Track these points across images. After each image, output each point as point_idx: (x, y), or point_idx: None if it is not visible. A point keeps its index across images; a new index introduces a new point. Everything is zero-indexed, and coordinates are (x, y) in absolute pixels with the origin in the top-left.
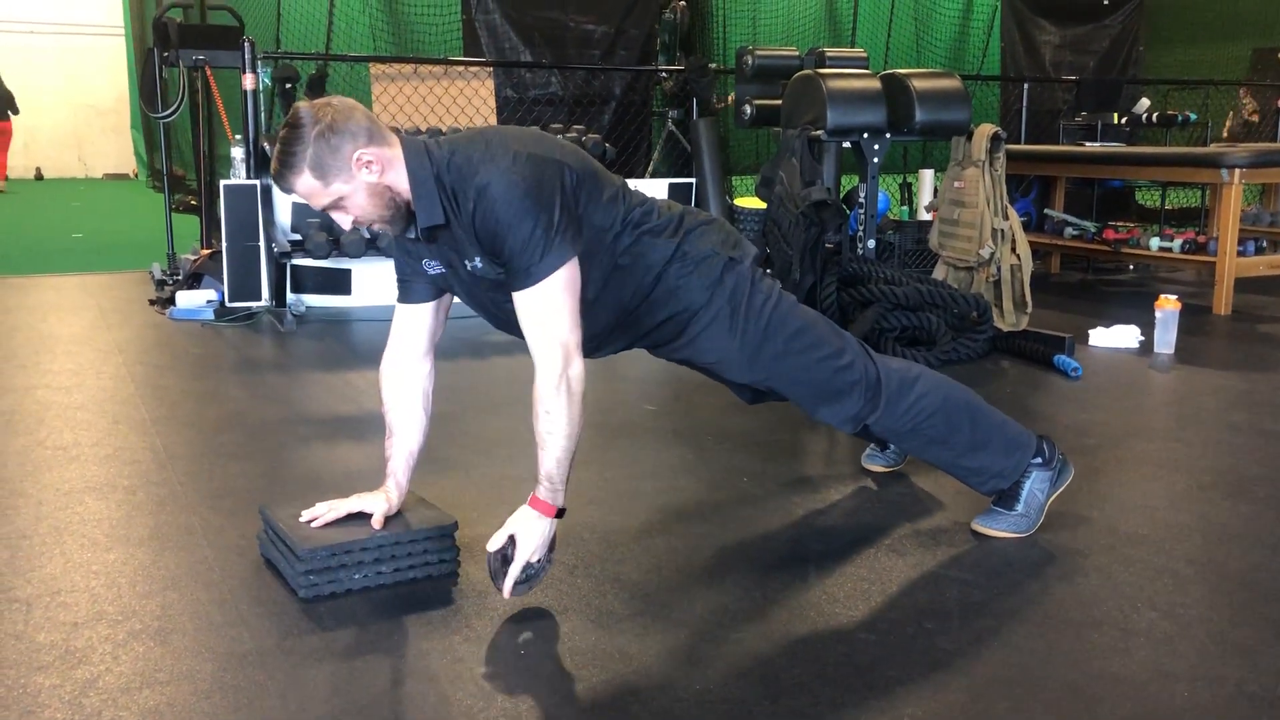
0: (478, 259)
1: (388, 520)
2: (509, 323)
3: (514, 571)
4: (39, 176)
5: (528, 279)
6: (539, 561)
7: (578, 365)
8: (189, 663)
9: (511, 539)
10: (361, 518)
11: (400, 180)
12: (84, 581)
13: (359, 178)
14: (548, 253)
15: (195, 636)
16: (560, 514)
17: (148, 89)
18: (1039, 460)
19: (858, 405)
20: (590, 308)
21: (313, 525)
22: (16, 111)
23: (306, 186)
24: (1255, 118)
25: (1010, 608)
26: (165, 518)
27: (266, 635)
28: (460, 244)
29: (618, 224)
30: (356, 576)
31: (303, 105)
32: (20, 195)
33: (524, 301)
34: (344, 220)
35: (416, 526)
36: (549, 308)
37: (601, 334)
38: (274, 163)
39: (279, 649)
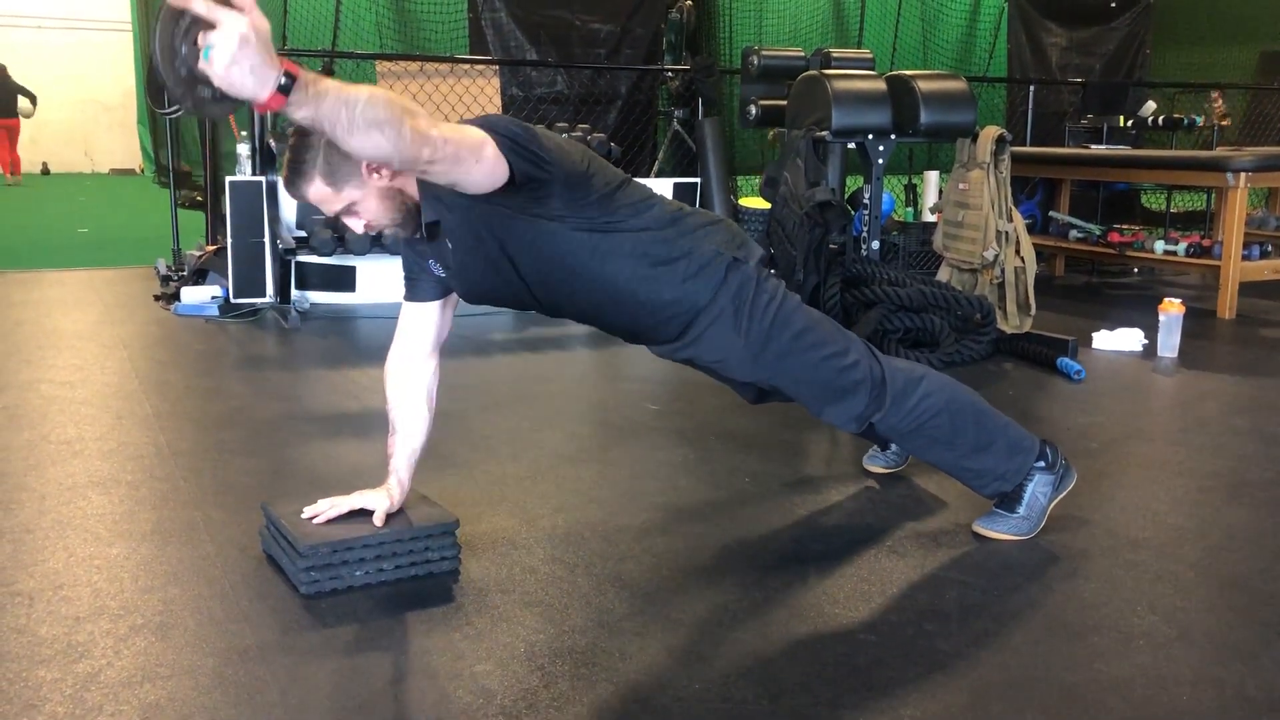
0: (474, 239)
1: (389, 517)
2: (506, 288)
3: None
4: (45, 171)
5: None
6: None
7: (420, 134)
8: (190, 658)
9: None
10: (363, 514)
11: (410, 183)
12: (86, 576)
13: (370, 183)
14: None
15: (196, 632)
16: (285, 85)
17: (154, 85)
18: (1042, 464)
19: (862, 405)
20: (589, 292)
21: (314, 522)
22: (34, 105)
23: (319, 193)
24: (1226, 122)
25: (1010, 610)
26: (168, 513)
27: (268, 631)
28: (455, 228)
29: (621, 217)
30: (358, 573)
31: None
32: (27, 190)
33: None
34: (356, 225)
35: (418, 524)
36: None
37: (602, 320)
38: (284, 171)
39: (280, 645)
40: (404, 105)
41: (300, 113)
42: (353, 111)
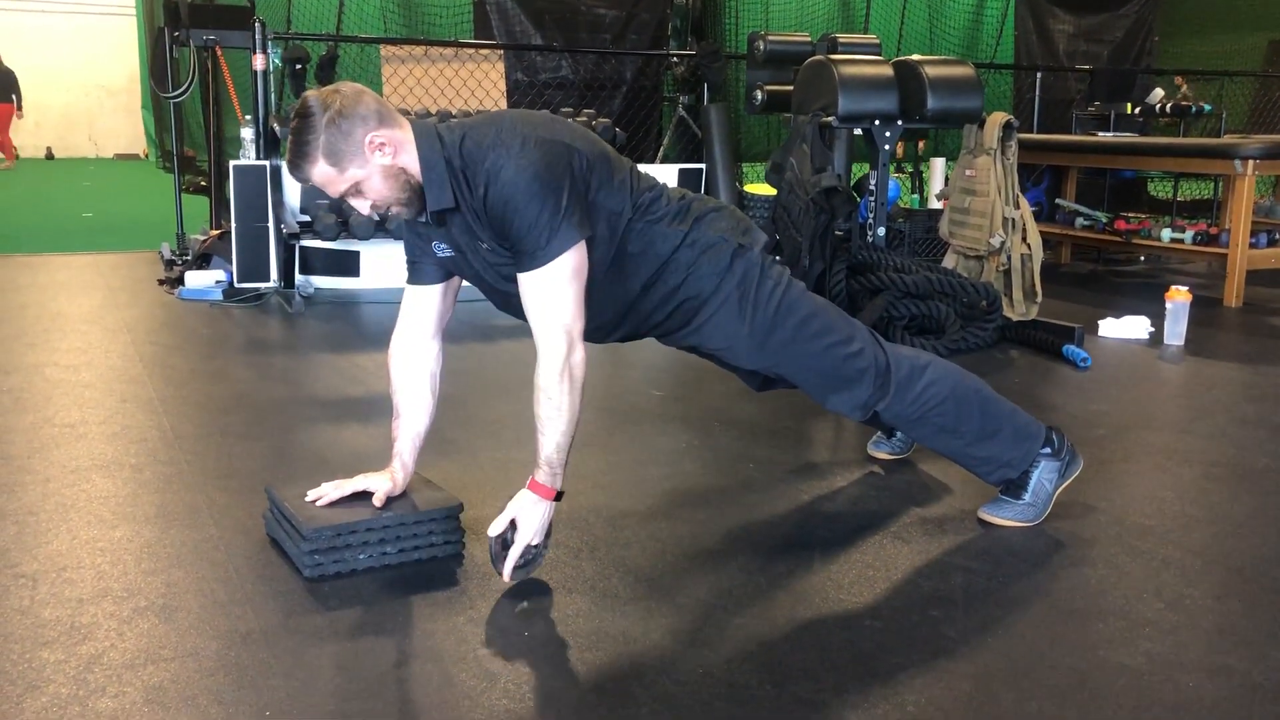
0: (485, 243)
1: (393, 501)
2: (516, 307)
3: (514, 554)
4: (50, 156)
5: (533, 261)
6: (538, 545)
7: (580, 352)
8: (193, 640)
9: (512, 523)
10: (367, 497)
11: (413, 162)
12: (90, 558)
13: (373, 161)
14: (554, 236)
15: (200, 614)
16: (559, 497)
17: (158, 69)
18: (1048, 450)
19: (867, 392)
20: (598, 293)
21: (318, 505)
22: (17, 94)
23: (322, 174)
24: (1189, 93)
25: (1016, 596)
26: (171, 496)
27: (271, 614)
28: (470, 228)
29: (628, 209)
30: (361, 557)
31: (311, 94)
32: (31, 175)
33: (529, 284)
34: (362, 206)
35: (422, 508)
36: (554, 292)
37: (609, 321)
38: (288, 154)
39: (283, 628)
40: (570, 375)
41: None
42: (571, 436)
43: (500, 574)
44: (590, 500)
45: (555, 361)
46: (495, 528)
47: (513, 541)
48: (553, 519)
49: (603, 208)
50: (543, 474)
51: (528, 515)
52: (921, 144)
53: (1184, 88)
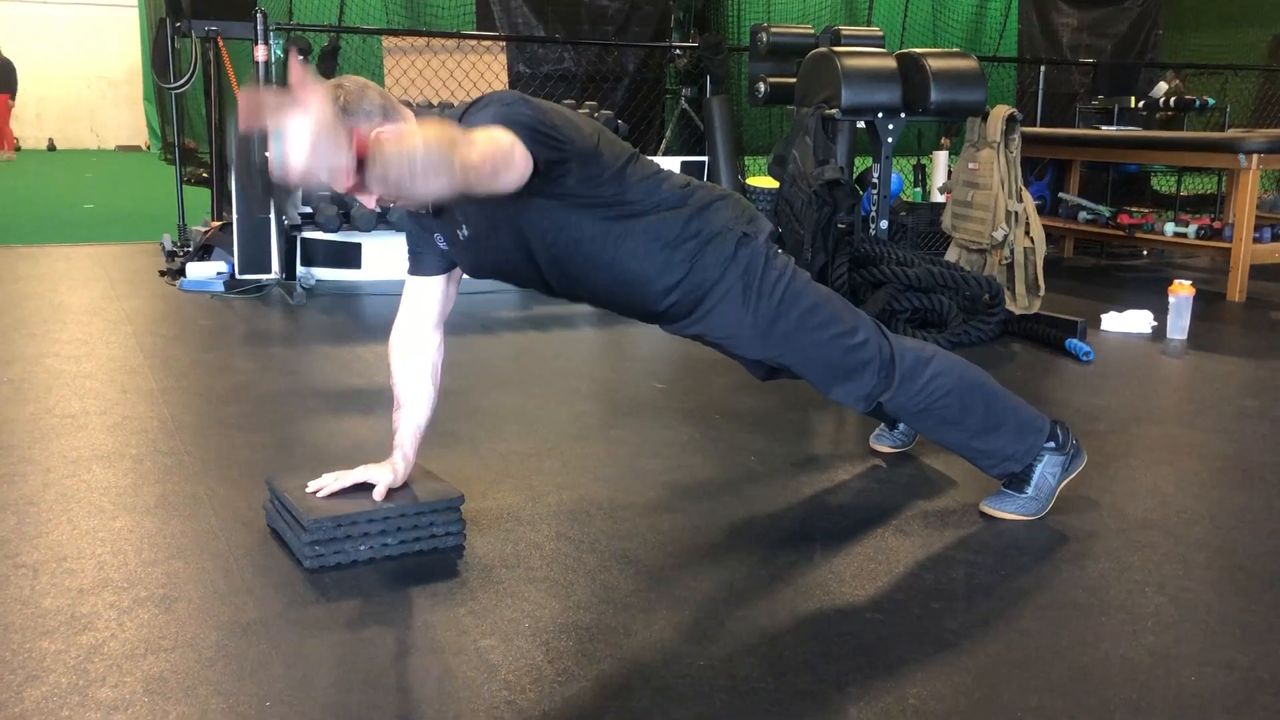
0: (465, 227)
1: (394, 492)
2: (515, 272)
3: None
4: (51, 147)
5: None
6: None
7: (475, 166)
8: (193, 631)
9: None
10: (368, 489)
11: None
12: (90, 548)
13: None
14: (501, 118)
15: (200, 605)
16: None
17: (160, 60)
18: (1052, 445)
19: (871, 384)
20: (603, 278)
21: (319, 496)
22: (14, 85)
23: None
24: (1181, 86)
25: (1018, 590)
26: (172, 486)
27: (271, 605)
28: (463, 208)
29: (632, 196)
30: (362, 548)
31: None
32: (33, 166)
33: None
34: (368, 200)
35: (423, 499)
36: (484, 131)
37: (615, 304)
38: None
39: (284, 619)
40: (450, 138)
41: (374, 184)
42: (414, 165)
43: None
44: (591, 493)
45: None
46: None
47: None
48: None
49: (601, 192)
50: (374, 149)
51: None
52: (946, 142)
53: (1175, 82)
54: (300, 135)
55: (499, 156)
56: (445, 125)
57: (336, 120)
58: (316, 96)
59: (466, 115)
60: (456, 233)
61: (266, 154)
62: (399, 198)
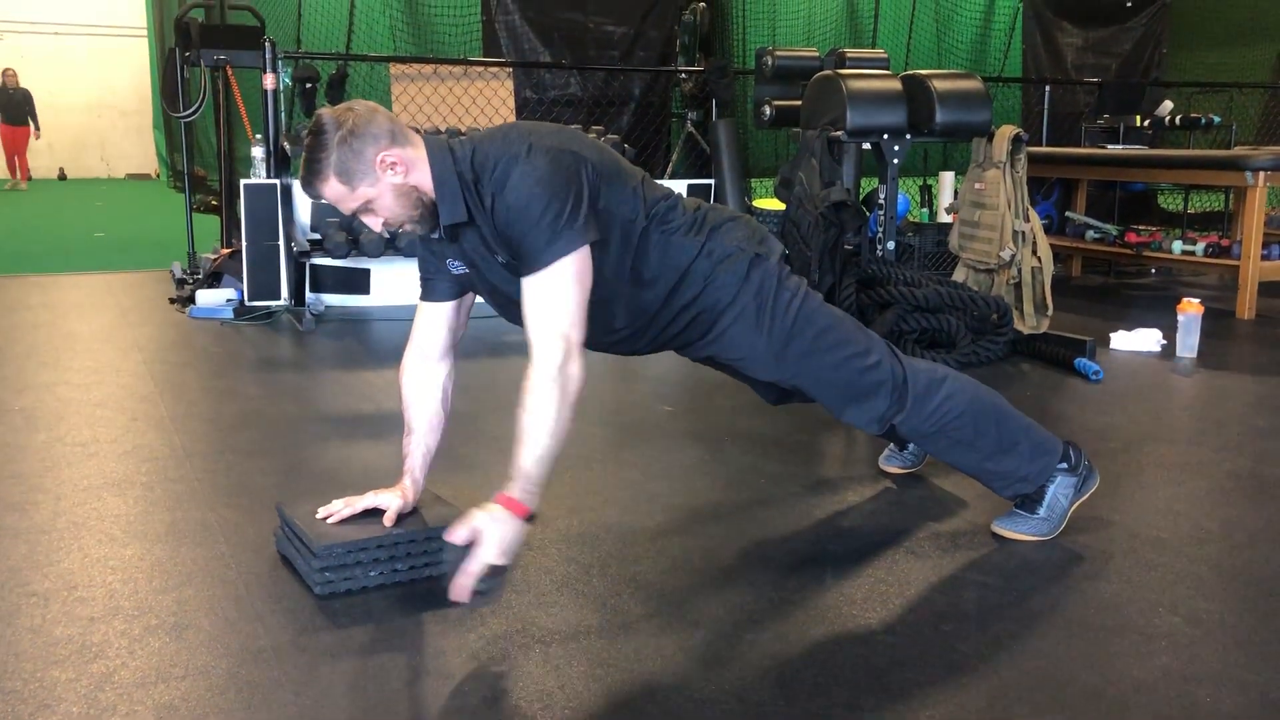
0: (500, 255)
1: (404, 518)
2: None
3: (473, 569)
4: (62, 176)
5: (535, 263)
6: (500, 568)
7: (577, 362)
8: (204, 658)
9: (475, 534)
10: (378, 514)
11: (425, 180)
12: (101, 577)
13: (384, 180)
14: (557, 238)
15: (211, 632)
16: (531, 519)
17: (169, 89)
18: (1064, 466)
19: (884, 405)
20: (619, 305)
21: (329, 522)
22: (31, 117)
23: (334, 192)
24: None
25: (1030, 611)
26: (182, 514)
27: (282, 632)
28: (484, 240)
29: (641, 218)
30: (372, 574)
31: (325, 112)
32: (44, 195)
33: (530, 286)
34: (374, 223)
35: (433, 524)
36: (554, 295)
37: (632, 333)
38: (301, 171)
39: (294, 646)
40: (561, 385)
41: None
42: (555, 453)
43: (450, 594)
44: (600, 516)
45: (549, 368)
46: (456, 535)
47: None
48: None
49: (615, 215)
50: (516, 488)
51: (491, 531)
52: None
53: (1169, 106)
54: (494, 558)
55: (584, 296)
56: (553, 393)
57: (511, 543)
58: (497, 546)
59: (500, 169)
60: (470, 255)
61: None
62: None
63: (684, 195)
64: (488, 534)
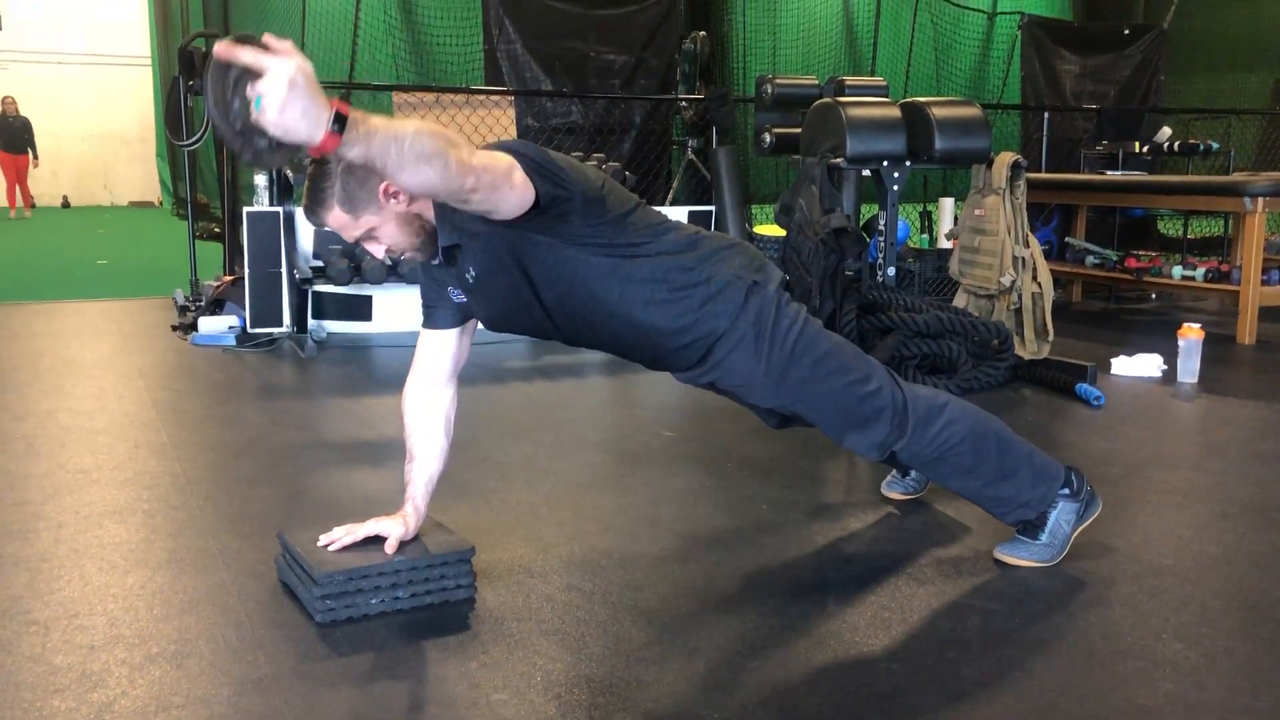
0: (508, 263)
1: (405, 545)
2: (524, 315)
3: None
4: (66, 204)
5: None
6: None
7: (467, 167)
8: (205, 687)
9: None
10: (379, 541)
11: (427, 208)
12: (102, 605)
13: (388, 208)
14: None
15: (212, 661)
16: (338, 121)
17: (173, 117)
18: (1067, 491)
19: (884, 432)
20: (619, 326)
21: (330, 549)
22: (30, 146)
23: (338, 220)
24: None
25: (1034, 637)
26: (184, 541)
27: (283, 660)
28: (492, 250)
29: (638, 240)
30: (373, 601)
31: None
32: (47, 223)
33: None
34: (377, 250)
35: (434, 551)
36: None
37: (627, 351)
38: (305, 199)
39: (295, 674)
40: (447, 137)
41: (353, 151)
42: (402, 146)
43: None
44: (602, 542)
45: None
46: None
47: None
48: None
49: (610, 239)
50: (359, 116)
51: (283, 78)
52: None
53: (1166, 130)
54: (278, 79)
55: (498, 171)
56: (445, 129)
57: (313, 76)
58: (295, 51)
59: None
60: (465, 277)
61: (244, 96)
62: (384, 178)
63: (682, 222)
64: (291, 78)
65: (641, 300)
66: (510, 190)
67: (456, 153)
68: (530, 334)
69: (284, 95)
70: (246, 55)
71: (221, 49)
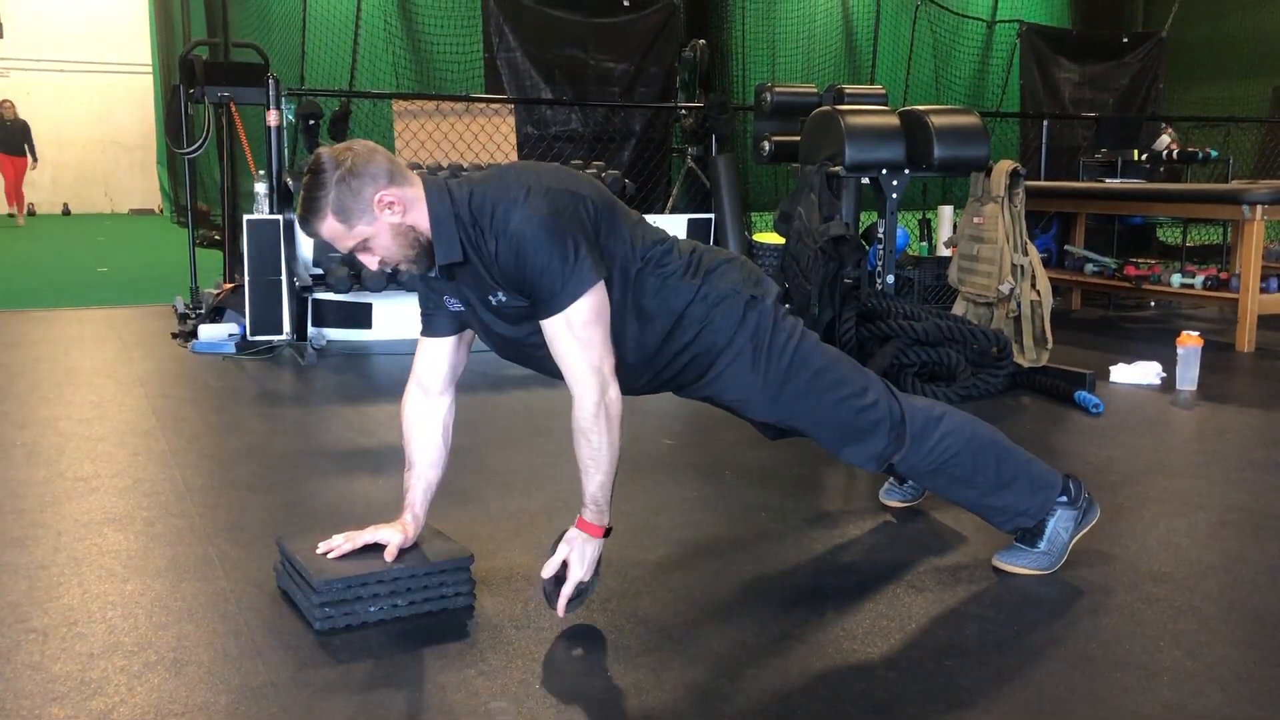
0: (501, 294)
1: (404, 553)
2: (529, 357)
3: (567, 590)
4: (66, 212)
5: (552, 307)
6: (588, 580)
7: (614, 389)
8: (204, 695)
9: (565, 562)
10: (379, 549)
11: (422, 220)
12: (101, 612)
13: (382, 219)
14: (570, 279)
15: (210, 668)
16: (608, 533)
17: (173, 125)
18: (1065, 499)
19: (881, 444)
20: (617, 346)
21: (329, 557)
22: (29, 148)
23: (331, 230)
24: (1175, 146)
25: (1032, 645)
26: (183, 549)
27: (282, 668)
28: (481, 281)
29: (637, 260)
30: (372, 609)
31: (324, 151)
32: (47, 230)
33: (553, 330)
34: (370, 261)
35: (433, 559)
36: (579, 334)
37: (631, 373)
38: (299, 208)
39: (294, 681)
40: (606, 414)
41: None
42: (613, 473)
43: (555, 610)
44: (602, 551)
45: (590, 403)
46: (549, 569)
47: (565, 579)
48: (601, 554)
49: (614, 255)
50: (590, 513)
51: (579, 553)
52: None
53: (1169, 133)
54: (580, 576)
55: (606, 337)
56: (600, 435)
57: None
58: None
59: (500, 213)
60: (468, 296)
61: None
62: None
63: (680, 237)
64: (575, 557)
65: (645, 324)
66: (607, 314)
67: (606, 396)
68: (528, 366)
69: (589, 576)
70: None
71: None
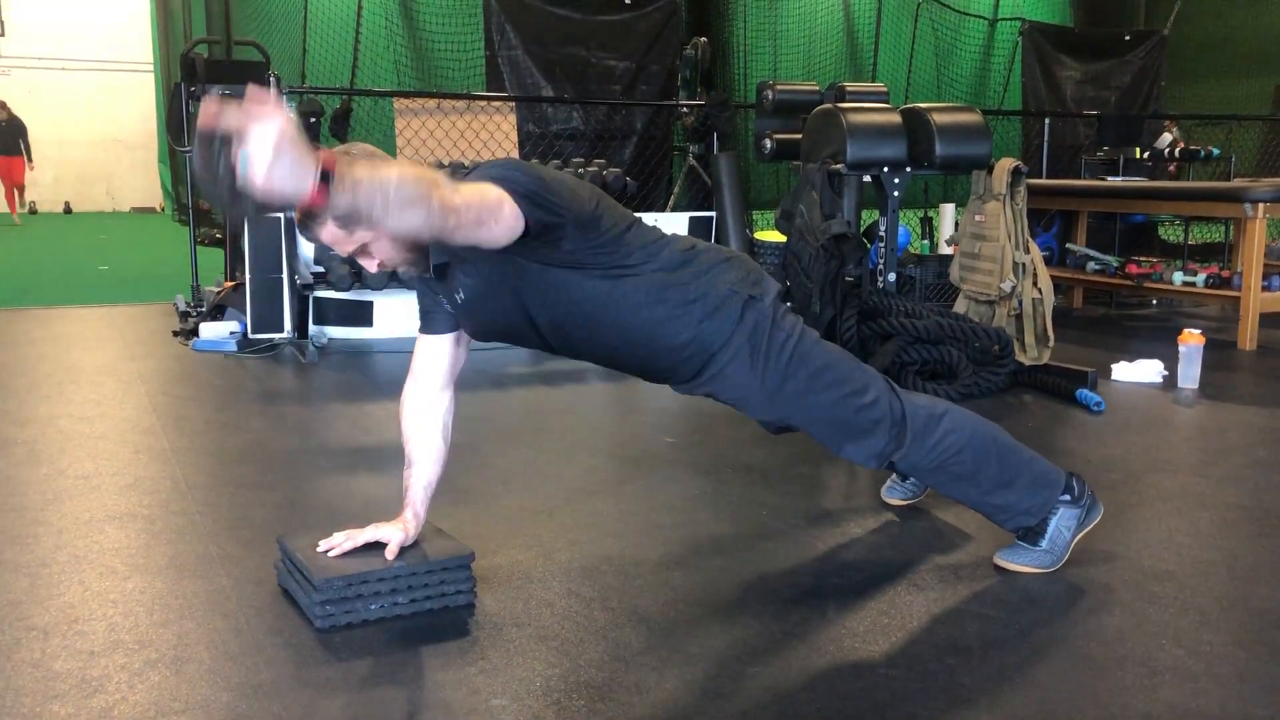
0: (465, 276)
1: (405, 551)
2: (516, 334)
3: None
4: (67, 210)
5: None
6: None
7: (451, 206)
8: (204, 692)
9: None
10: (379, 547)
11: None
12: (102, 610)
13: None
14: (497, 174)
15: (211, 666)
16: (325, 178)
17: (175, 123)
18: (1067, 498)
19: (882, 442)
20: (607, 337)
21: (330, 555)
22: (25, 149)
23: (332, 235)
24: (1180, 143)
25: (1033, 644)
26: (184, 547)
27: (282, 665)
28: (460, 271)
29: (634, 260)
30: (373, 607)
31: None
32: (48, 229)
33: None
34: (370, 264)
35: (433, 557)
36: (476, 186)
37: (626, 365)
38: (298, 214)
39: (295, 679)
40: (430, 178)
41: (341, 203)
42: (386, 195)
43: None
44: (602, 549)
45: (453, 202)
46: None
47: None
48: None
49: (606, 257)
50: (344, 167)
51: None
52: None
53: (1173, 131)
54: (263, 142)
55: (485, 207)
56: (427, 169)
57: (300, 133)
58: (279, 109)
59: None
60: (455, 297)
61: (230, 159)
62: (370, 227)
63: (679, 235)
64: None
65: (638, 320)
66: (497, 224)
67: (439, 194)
68: (520, 345)
69: (269, 157)
70: (230, 120)
71: (205, 118)
